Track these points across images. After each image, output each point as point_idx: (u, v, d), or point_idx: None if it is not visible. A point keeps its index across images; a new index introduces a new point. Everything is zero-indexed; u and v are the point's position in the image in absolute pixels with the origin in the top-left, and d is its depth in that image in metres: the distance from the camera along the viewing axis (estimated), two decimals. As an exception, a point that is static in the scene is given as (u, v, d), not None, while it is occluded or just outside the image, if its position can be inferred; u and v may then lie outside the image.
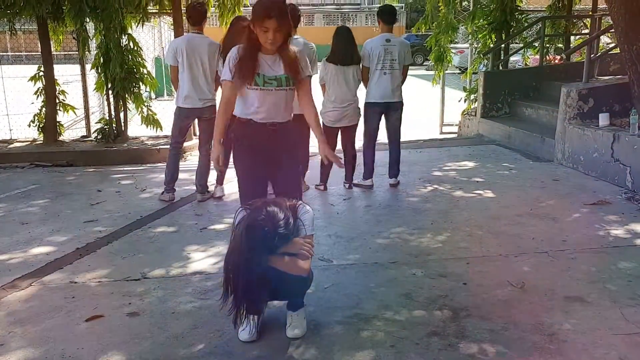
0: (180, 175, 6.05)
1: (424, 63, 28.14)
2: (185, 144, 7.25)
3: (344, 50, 5.52)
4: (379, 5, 41.62)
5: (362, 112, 5.79)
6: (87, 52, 8.07)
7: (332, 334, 3.01)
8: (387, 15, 5.74)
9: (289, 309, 3.06)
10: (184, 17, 8.27)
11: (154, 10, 8.56)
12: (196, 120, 5.71)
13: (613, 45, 8.46)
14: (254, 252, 2.65)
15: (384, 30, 5.73)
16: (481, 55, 9.83)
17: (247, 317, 2.99)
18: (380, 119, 5.85)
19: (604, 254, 4.01)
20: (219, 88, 5.51)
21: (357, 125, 5.77)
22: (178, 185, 5.88)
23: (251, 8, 3.13)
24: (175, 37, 7.91)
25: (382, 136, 5.99)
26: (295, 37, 5.39)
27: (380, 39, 5.66)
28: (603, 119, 6.10)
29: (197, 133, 6.06)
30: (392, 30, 5.76)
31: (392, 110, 5.78)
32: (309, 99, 3.37)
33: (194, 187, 5.69)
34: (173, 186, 5.65)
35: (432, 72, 10.83)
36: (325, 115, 5.65)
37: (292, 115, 3.45)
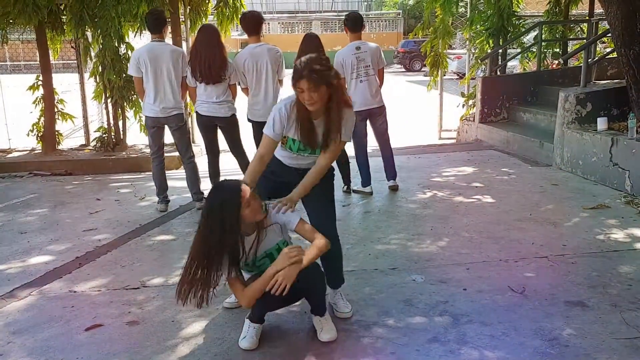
0: (178, 184, 6.07)
1: (422, 69, 28.24)
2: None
3: None
4: (375, 12, 41.91)
5: None
6: (90, 60, 8.07)
7: (332, 341, 2.99)
8: (352, 23, 5.71)
9: (315, 314, 3.06)
10: (182, 26, 8.32)
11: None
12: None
13: (610, 49, 8.48)
14: (225, 206, 2.74)
15: (352, 38, 5.71)
16: (479, 60, 9.86)
17: (250, 326, 3.00)
18: (366, 125, 5.84)
19: (604, 258, 4.00)
20: (187, 94, 5.55)
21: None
22: (177, 194, 5.89)
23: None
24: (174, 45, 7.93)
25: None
26: (260, 44, 5.38)
27: (350, 48, 5.64)
28: (601, 123, 6.11)
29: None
30: (360, 37, 5.73)
31: (375, 115, 5.78)
32: (328, 156, 3.14)
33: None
34: (165, 197, 5.61)
35: (429, 78, 10.82)
36: None
37: None
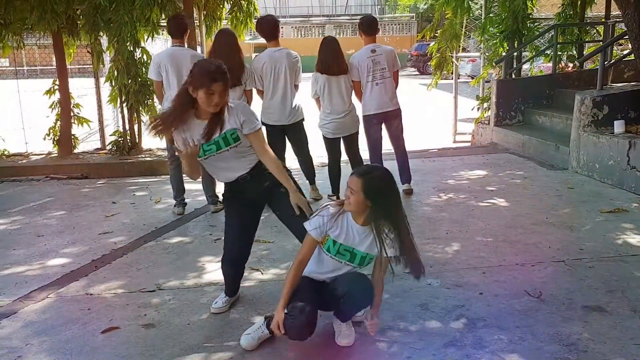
0: (192, 187, 6.07)
1: (431, 70, 28.12)
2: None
3: (330, 59, 5.48)
4: (389, 16, 41.88)
5: (361, 124, 5.76)
6: (102, 65, 8.15)
7: (347, 345, 2.98)
8: (367, 26, 5.70)
9: (338, 318, 3.05)
10: (197, 30, 8.36)
11: (164, 24, 8.63)
12: None
13: (627, 51, 8.40)
14: None
15: (367, 41, 5.69)
16: (493, 63, 9.80)
17: (260, 327, 3.03)
18: (381, 129, 5.82)
19: (622, 263, 3.95)
20: None
21: (357, 132, 5.75)
22: (191, 197, 5.90)
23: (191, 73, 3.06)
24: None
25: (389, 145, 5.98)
26: (279, 48, 5.43)
27: (366, 51, 5.62)
28: (618, 126, 6.05)
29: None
30: (375, 40, 5.71)
31: (391, 118, 5.76)
32: (262, 149, 3.23)
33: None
34: (182, 199, 5.64)
35: (444, 82, 10.75)
36: (324, 128, 5.65)
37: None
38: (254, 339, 2.99)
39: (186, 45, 5.66)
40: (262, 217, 3.50)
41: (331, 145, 5.71)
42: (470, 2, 9.71)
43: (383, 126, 5.83)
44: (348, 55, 5.65)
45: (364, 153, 5.87)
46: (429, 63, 28.60)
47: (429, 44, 24.49)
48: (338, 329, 3.02)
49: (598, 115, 6.44)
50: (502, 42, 9.60)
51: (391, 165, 5.96)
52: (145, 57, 7.86)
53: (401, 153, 5.92)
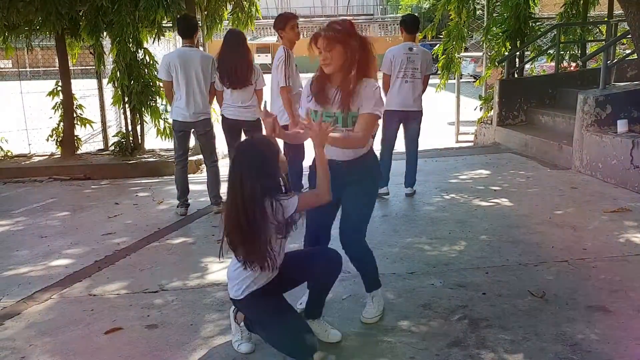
0: (196, 187, 6.10)
1: (438, 72, 28.07)
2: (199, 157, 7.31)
3: None
4: (391, 16, 41.82)
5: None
6: (103, 67, 8.18)
7: (350, 345, 2.99)
8: (409, 25, 5.75)
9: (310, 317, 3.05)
10: (199, 31, 8.36)
11: (169, 25, 8.64)
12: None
13: (630, 51, 8.38)
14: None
15: (406, 39, 5.74)
16: (496, 63, 9.79)
17: (243, 330, 3.00)
18: (398, 128, 5.82)
19: (625, 262, 3.94)
20: (214, 98, 5.57)
21: (374, 134, 5.73)
22: (194, 198, 5.90)
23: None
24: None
25: (399, 145, 5.97)
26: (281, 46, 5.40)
27: (403, 48, 5.65)
28: (621, 125, 6.04)
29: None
30: (415, 40, 5.77)
31: (411, 119, 5.76)
32: (358, 129, 2.93)
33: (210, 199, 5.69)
34: (185, 200, 5.64)
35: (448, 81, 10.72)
36: None
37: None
38: (248, 342, 2.97)
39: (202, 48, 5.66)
40: None
41: None
42: (471, 2, 9.67)
43: (401, 126, 5.83)
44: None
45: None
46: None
47: (431, 44, 24.56)
48: (323, 327, 3.04)
49: (601, 115, 6.43)
50: (505, 42, 9.58)
51: (398, 165, 5.97)
52: (147, 58, 7.88)
53: (413, 155, 5.91)
